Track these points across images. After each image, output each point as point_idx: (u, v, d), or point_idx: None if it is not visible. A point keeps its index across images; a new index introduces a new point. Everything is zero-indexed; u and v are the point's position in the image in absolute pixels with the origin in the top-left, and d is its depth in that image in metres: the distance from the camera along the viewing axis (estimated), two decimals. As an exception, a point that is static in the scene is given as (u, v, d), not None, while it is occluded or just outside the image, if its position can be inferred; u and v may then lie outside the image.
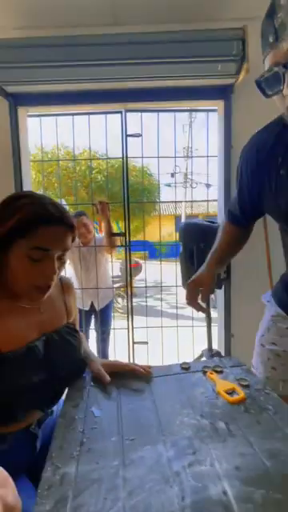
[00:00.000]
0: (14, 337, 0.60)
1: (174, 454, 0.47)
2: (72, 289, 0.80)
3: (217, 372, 0.71)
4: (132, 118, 1.91)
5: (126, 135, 1.83)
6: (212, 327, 1.82)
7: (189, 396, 0.63)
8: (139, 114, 1.88)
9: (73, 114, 1.85)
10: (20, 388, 0.57)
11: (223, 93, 1.63)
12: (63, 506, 0.39)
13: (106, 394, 0.66)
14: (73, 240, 0.65)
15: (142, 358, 1.96)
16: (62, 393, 0.68)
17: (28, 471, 0.66)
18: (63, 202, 2.00)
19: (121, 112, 1.84)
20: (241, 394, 0.61)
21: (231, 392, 0.62)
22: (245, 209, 0.85)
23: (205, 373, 0.72)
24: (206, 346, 1.80)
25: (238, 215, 0.88)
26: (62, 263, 0.65)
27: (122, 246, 2.00)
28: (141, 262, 4.97)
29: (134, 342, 2.04)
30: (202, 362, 0.78)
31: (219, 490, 0.40)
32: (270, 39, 0.52)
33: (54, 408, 0.74)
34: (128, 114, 1.88)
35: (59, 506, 0.39)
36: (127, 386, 0.68)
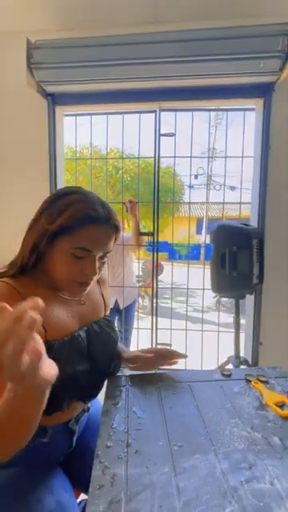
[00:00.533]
0: (58, 325, 0.60)
1: (228, 466, 0.44)
2: (106, 282, 0.81)
3: (262, 382, 0.67)
4: (165, 116, 1.90)
5: (160, 134, 1.82)
6: (241, 334, 1.76)
7: (234, 405, 0.60)
8: (172, 113, 1.87)
9: (107, 114, 1.86)
10: (65, 377, 0.57)
11: (264, 91, 1.57)
12: (118, 509, 0.38)
13: (146, 394, 0.64)
14: (115, 241, 0.64)
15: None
16: (102, 385, 0.67)
17: (62, 465, 0.66)
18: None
19: (155, 111, 1.83)
20: (292, 407, 0.57)
21: (281, 405, 0.58)
22: None
23: (248, 381, 0.68)
24: (231, 353, 1.75)
25: None
26: (103, 263, 0.64)
27: (150, 245, 1.99)
28: (162, 263, 4.95)
29: (157, 343, 2.01)
30: (242, 369, 0.75)
31: (283, 511, 0.37)
32: None
33: (90, 405, 0.74)
34: (162, 113, 1.87)
35: (113, 507, 0.38)
36: (166, 388, 0.66)
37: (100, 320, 0.70)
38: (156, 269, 2.07)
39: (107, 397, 0.64)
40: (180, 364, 0.75)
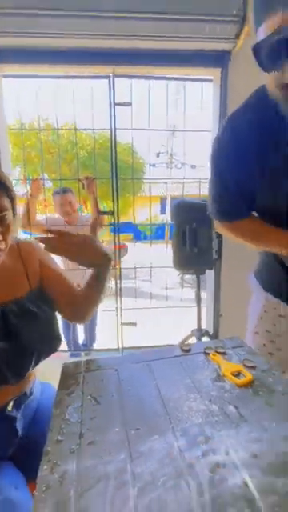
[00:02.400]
0: None
1: (185, 443, 0.43)
2: (34, 252, 0.72)
3: (220, 353, 0.68)
4: (119, 86, 1.75)
5: (114, 104, 1.68)
6: (202, 308, 1.82)
7: (193, 380, 0.59)
8: (128, 82, 1.73)
9: (55, 77, 1.65)
10: None
11: (221, 59, 1.52)
12: (65, 510, 0.34)
13: (103, 379, 0.61)
14: (11, 201, 0.61)
15: (131, 339, 1.94)
16: (29, 365, 0.63)
17: (14, 458, 0.61)
18: (46, 177, 1.84)
19: (108, 77, 1.67)
20: (248, 375, 0.58)
21: (237, 374, 0.59)
22: (240, 199, 0.71)
23: (207, 354, 0.68)
24: (194, 327, 1.81)
25: (234, 207, 0.72)
26: (7, 227, 0.60)
27: (111, 225, 1.90)
28: (126, 243, 4.89)
29: (122, 323, 2.01)
30: (201, 342, 0.75)
31: (239, 481, 0.37)
32: None
33: (34, 390, 0.69)
34: (116, 81, 1.72)
35: (60, 509, 0.34)
36: (125, 370, 0.63)
37: (23, 298, 0.64)
38: (118, 250, 2.01)
39: (60, 386, 0.59)
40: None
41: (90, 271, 0.74)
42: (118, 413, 0.50)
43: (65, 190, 1.92)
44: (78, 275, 2.02)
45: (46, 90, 1.88)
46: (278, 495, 0.35)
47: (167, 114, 1.74)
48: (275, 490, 0.35)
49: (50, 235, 0.64)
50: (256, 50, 0.45)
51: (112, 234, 1.99)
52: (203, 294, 1.85)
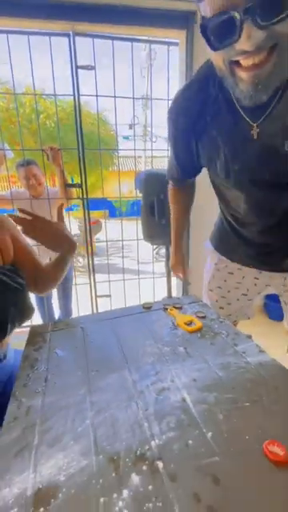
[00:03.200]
0: None
1: (138, 377, 0.50)
2: (4, 227, 0.74)
3: (176, 308, 0.75)
4: (82, 48, 1.63)
5: (77, 66, 1.58)
6: (172, 278, 1.92)
7: (151, 330, 0.66)
8: (90, 43, 1.62)
9: (7, 32, 1.50)
10: None
11: (186, 20, 1.47)
12: (31, 432, 0.40)
13: (69, 336, 0.66)
14: None
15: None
16: (3, 334, 0.66)
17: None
18: (7, 147, 1.73)
19: (68, 35, 1.55)
20: (198, 324, 0.66)
21: (190, 323, 0.67)
22: (186, 167, 0.78)
23: (165, 310, 0.75)
24: (166, 295, 1.92)
25: (180, 175, 0.83)
26: None
27: (79, 198, 1.87)
28: (100, 220, 4.82)
29: (96, 296, 2.06)
30: (162, 301, 0.82)
31: (179, 398, 0.45)
32: None
33: (9, 353, 0.73)
34: (78, 42, 1.60)
35: (27, 432, 0.40)
36: (90, 328, 0.69)
37: None
38: (89, 226, 2.00)
39: (27, 344, 0.63)
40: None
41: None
42: (80, 360, 0.56)
43: (28, 162, 1.82)
44: (47, 250, 2.01)
45: (1, 48, 1.70)
46: (208, 404, 0.43)
47: (133, 79, 1.67)
48: (206, 401, 0.44)
49: (22, 215, 0.67)
50: (202, 29, 0.44)
51: (86, 210, 1.95)
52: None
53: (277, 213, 0.68)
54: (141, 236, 1.79)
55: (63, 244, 0.78)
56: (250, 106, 0.51)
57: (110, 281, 2.13)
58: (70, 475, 0.34)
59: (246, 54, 0.43)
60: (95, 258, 2.14)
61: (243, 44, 0.41)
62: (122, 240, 2.03)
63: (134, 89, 1.74)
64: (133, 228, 2.15)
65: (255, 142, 0.57)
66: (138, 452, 0.36)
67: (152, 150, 1.89)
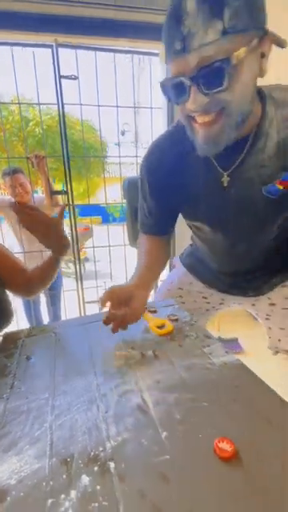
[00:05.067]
0: None
1: (103, 380, 0.51)
2: None
3: (151, 312, 0.76)
4: (66, 58, 1.67)
5: (60, 76, 1.62)
6: (159, 283, 1.93)
7: (122, 334, 0.67)
8: (73, 52, 1.65)
9: (-9, 43, 1.53)
10: None
11: (164, 33, 1.51)
12: (-12, 438, 0.40)
13: (41, 342, 0.66)
14: None
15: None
16: None
17: None
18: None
19: (51, 46, 1.59)
20: (169, 326, 0.67)
21: (161, 326, 0.68)
22: (163, 217, 0.78)
23: (140, 314, 0.76)
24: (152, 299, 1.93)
25: (157, 225, 0.79)
26: None
27: (65, 205, 1.88)
28: (91, 226, 4.83)
29: (84, 302, 2.06)
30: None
31: (139, 399, 0.45)
32: (178, 46, 0.45)
33: None
34: (62, 52, 1.63)
35: (-16, 438, 0.40)
36: (63, 334, 0.69)
37: None
38: (76, 232, 2.01)
39: (-1, 351, 0.63)
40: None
41: (46, 254, 0.82)
42: (49, 365, 0.57)
43: (14, 171, 1.84)
44: (35, 257, 2.01)
45: (-15, 58, 1.73)
46: (167, 405, 0.44)
47: (116, 89, 1.71)
48: (166, 402, 0.44)
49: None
50: (162, 86, 0.51)
51: (80, 217, 1.96)
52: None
53: (254, 257, 0.73)
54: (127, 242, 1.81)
55: (58, 241, 0.80)
56: (221, 155, 0.55)
57: (97, 286, 2.14)
58: (22, 478, 0.34)
59: (195, 113, 0.50)
60: (87, 264, 2.14)
61: (190, 105, 0.48)
62: (109, 246, 2.04)
63: (125, 96, 1.79)
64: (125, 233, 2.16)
65: (228, 190, 0.61)
66: (92, 454, 0.37)
67: (137, 156, 1.93)
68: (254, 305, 0.89)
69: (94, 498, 0.31)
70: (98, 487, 0.32)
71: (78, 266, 2.03)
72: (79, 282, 2.04)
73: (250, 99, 0.50)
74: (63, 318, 2.32)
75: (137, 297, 0.65)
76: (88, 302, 2.10)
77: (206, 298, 0.92)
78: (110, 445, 0.38)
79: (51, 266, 0.86)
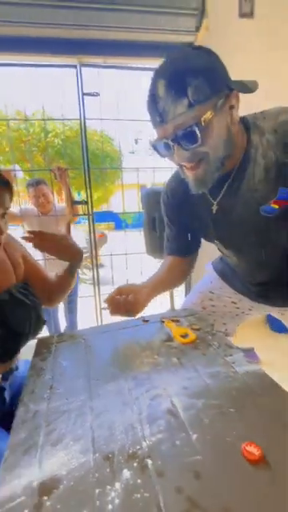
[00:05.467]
0: None
1: (134, 385, 0.55)
2: (14, 242, 0.84)
3: (173, 321, 0.80)
4: (88, 75, 1.77)
5: (83, 93, 1.71)
6: (174, 291, 1.96)
7: (148, 342, 0.71)
8: (96, 71, 1.75)
9: (21, 65, 1.65)
10: None
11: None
12: (37, 433, 0.45)
13: (72, 347, 0.71)
14: (11, 198, 0.67)
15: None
16: (19, 346, 0.72)
17: (1, 422, 0.72)
18: (17, 167, 1.85)
19: (75, 66, 1.69)
20: (192, 336, 0.71)
21: (185, 335, 0.72)
22: (183, 242, 0.90)
23: (162, 322, 0.80)
24: (169, 307, 1.96)
25: (179, 249, 0.91)
26: (5, 223, 0.69)
27: (84, 214, 1.96)
28: (106, 232, 4.93)
29: (101, 308, 2.11)
30: (159, 314, 0.87)
31: (169, 404, 0.49)
32: (157, 119, 0.58)
33: (21, 364, 0.79)
34: (84, 71, 1.73)
35: (33, 433, 0.45)
36: (91, 340, 0.74)
37: (11, 288, 0.72)
38: (94, 240, 2.08)
39: (35, 355, 0.69)
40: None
41: (65, 263, 0.89)
42: (82, 369, 0.61)
43: (38, 182, 1.94)
44: (56, 264, 2.09)
45: (15, 78, 1.86)
46: (195, 410, 0.47)
47: (136, 105, 1.78)
48: (194, 407, 0.48)
49: (29, 235, 0.79)
50: (153, 146, 0.63)
51: (94, 223, 2.04)
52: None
53: (268, 268, 0.78)
54: (144, 249, 1.86)
55: (71, 253, 0.87)
56: (212, 186, 0.65)
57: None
58: (70, 470, 0.39)
59: (181, 163, 0.62)
60: (101, 270, 2.21)
61: (176, 158, 0.61)
62: (126, 254, 2.09)
63: (140, 108, 1.86)
64: (138, 239, 2.22)
65: (224, 214, 0.71)
66: (131, 451, 0.41)
67: (154, 168, 1.99)
68: (283, 314, 0.92)
69: (136, 489, 0.35)
70: (139, 481, 0.36)
71: (95, 272, 2.10)
72: (96, 288, 2.11)
73: (225, 146, 0.60)
74: (79, 324, 2.38)
75: (141, 292, 0.78)
76: (104, 309, 2.15)
77: (235, 303, 0.96)
78: (146, 444, 0.42)
79: (68, 275, 0.91)
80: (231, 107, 0.59)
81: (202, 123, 0.55)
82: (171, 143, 0.58)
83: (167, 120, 0.56)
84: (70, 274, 0.91)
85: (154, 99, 0.57)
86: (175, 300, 1.99)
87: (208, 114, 0.55)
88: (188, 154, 0.59)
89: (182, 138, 0.57)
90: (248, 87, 0.57)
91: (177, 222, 0.87)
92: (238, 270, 0.88)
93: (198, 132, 0.55)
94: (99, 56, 1.64)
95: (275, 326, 2.04)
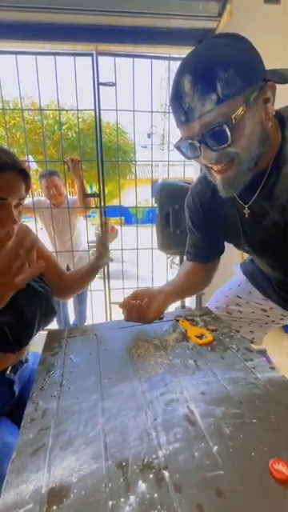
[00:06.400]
0: None
1: (147, 387, 0.52)
2: (30, 232, 0.82)
3: (188, 320, 0.76)
4: (104, 65, 1.72)
5: (98, 83, 1.67)
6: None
7: (161, 341, 0.68)
8: (112, 60, 1.70)
9: (35, 53, 1.61)
10: None
11: (201, 37, 1.51)
12: (46, 434, 0.43)
13: (84, 343, 0.69)
14: (27, 189, 0.66)
15: (119, 318, 2.04)
16: (30, 336, 0.70)
17: (11, 415, 0.70)
18: (31, 158, 1.83)
19: (91, 54, 1.64)
20: (209, 337, 0.67)
21: (200, 336, 0.68)
22: (206, 248, 0.85)
23: (177, 321, 0.77)
24: (179, 305, 1.92)
25: (200, 255, 0.86)
26: (19, 212, 0.66)
27: (96, 207, 1.94)
28: (116, 227, 4.90)
29: (111, 303, 2.10)
30: (174, 312, 0.83)
31: (186, 410, 0.46)
32: (182, 119, 0.53)
33: (29, 356, 0.77)
34: (100, 60, 1.69)
35: (42, 433, 0.43)
36: (103, 336, 0.72)
37: None
38: (106, 234, 2.05)
39: (45, 349, 0.67)
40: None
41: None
42: (94, 367, 0.59)
43: (51, 173, 1.92)
44: (66, 257, 2.08)
45: (29, 67, 1.83)
46: (215, 418, 0.44)
47: (151, 94, 1.73)
48: (213, 415, 0.45)
49: None
50: (177, 148, 0.59)
51: (103, 217, 2.01)
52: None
53: None
54: (155, 244, 1.82)
55: (104, 257, 0.91)
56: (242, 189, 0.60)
57: (124, 288, 2.17)
58: (81, 477, 0.36)
59: (209, 164, 0.57)
60: (111, 265, 2.18)
61: (203, 160, 0.56)
62: (137, 249, 2.06)
63: (154, 98, 1.80)
64: (148, 235, 2.18)
65: (256, 219, 0.66)
66: (146, 460, 0.38)
67: (169, 161, 1.93)
68: None
69: (153, 505, 0.32)
70: (156, 495, 0.33)
71: (106, 267, 2.08)
72: (106, 282, 2.09)
73: (259, 144, 0.54)
74: (89, 317, 2.38)
75: (156, 298, 0.73)
76: (114, 303, 2.14)
77: (265, 310, 0.90)
78: (163, 453, 0.39)
79: (91, 273, 0.91)
80: (266, 100, 0.52)
81: (233, 120, 0.49)
82: (197, 144, 0.53)
83: (193, 118, 0.51)
84: (92, 272, 0.91)
85: (178, 96, 0.52)
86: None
87: (240, 110, 0.49)
88: (216, 156, 0.54)
89: (210, 138, 0.52)
90: (285, 76, 0.51)
91: (201, 228, 0.81)
92: (270, 276, 0.82)
93: (227, 131, 0.49)
94: (117, 44, 1.58)
95: (289, 328, 1.97)
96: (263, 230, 0.66)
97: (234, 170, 0.56)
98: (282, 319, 0.91)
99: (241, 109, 0.49)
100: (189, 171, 2.09)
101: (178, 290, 0.81)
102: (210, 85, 0.48)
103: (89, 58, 1.67)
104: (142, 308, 0.69)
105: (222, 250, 0.87)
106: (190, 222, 0.83)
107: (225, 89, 0.48)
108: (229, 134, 0.50)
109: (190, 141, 0.54)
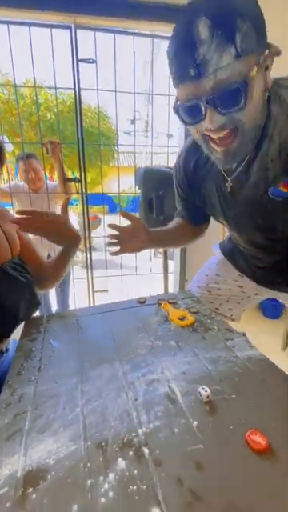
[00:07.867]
0: None
1: (129, 368, 0.51)
2: (7, 216, 0.74)
3: (170, 303, 0.76)
4: (84, 42, 1.62)
5: (78, 60, 1.57)
6: (169, 275, 1.93)
7: (144, 324, 0.67)
8: (92, 36, 1.60)
9: (8, 23, 1.49)
10: None
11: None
12: (22, 418, 0.41)
13: (63, 328, 0.67)
14: (1, 165, 0.60)
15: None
16: (12, 327, 0.67)
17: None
18: (6, 139, 1.72)
19: (70, 27, 1.54)
20: (190, 318, 0.68)
21: (182, 318, 0.68)
22: (191, 212, 0.86)
23: (159, 304, 0.77)
24: (162, 291, 1.94)
25: (187, 216, 0.87)
26: None
27: (77, 193, 1.87)
28: (99, 215, 4.81)
29: (94, 291, 2.07)
30: (156, 296, 0.83)
31: (167, 389, 0.46)
32: (192, 72, 0.46)
33: (10, 347, 0.74)
34: (80, 36, 1.59)
35: (18, 418, 0.41)
36: (84, 321, 0.70)
37: (6, 264, 0.66)
38: (88, 221, 2.00)
39: (22, 335, 0.64)
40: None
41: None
42: (74, 351, 0.57)
43: (28, 156, 1.82)
44: (46, 244, 2.01)
45: (1, 39, 1.69)
46: (196, 396, 0.44)
47: (133, 73, 1.66)
48: (194, 393, 0.45)
49: (20, 216, 0.68)
50: (175, 110, 0.53)
51: (88, 206, 1.95)
52: (171, 263, 1.95)
53: (274, 254, 0.73)
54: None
55: (68, 237, 0.77)
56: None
57: (107, 276, 2.15)
58: (59, 459, 0.35)
59: (211, 131, 0.51)
60: (94, 253, 2.15)
61: (207, 124, 0.50)
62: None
63: (137, 83, 1.73)
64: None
65: (232, 193, 0.65)
66: (126, 439, 0.37)
67: (152, 146, 1.89)
68: None
69: (132, 481, 0.32)
70: (135, 471, 0.33)
71: (88, 255, 2.04)
72: (89, 271, 2.05)
73: (261, 114, 0.52)
74: (72, 306, 2.34)
75: (144, 231, 0.82)
76: (97, 292, 2.12)
77: (241, 286, 0.92)
78: (143, 431, 0.38)
79: (65, 258, 0.82)
80: (266, 68, 0.49)
81: (249, 81, 0.45)
82: (204, 105, 0.47)
83: (207, 73, 0.44)
84: (65, 257, 0.82)
85: (188, 43, 0.44)
86: (169, 284, 1.96)
87: (254, 70, 0.44)
88: (223, 120, 0.49)
89: (222, 99, 0.46)
90: (279, 49, 0.49)
91: (187, 195, 0.81)
92: (244, 251, 0.84)
93: (243, 91, 0.45)
94: (96, 16, 1.49)
95: (268, 312, 2.05)
96: (237, 204, 0.66)
97: (237, 140, 0.52)
98: (256, 294, 0.93)
99: (255, 69, 0.44)
100: (173, 160, 2.06)
101: (165, 235, 0.88)
102: (231, 35, 0.42)
103: (67, 32, 1.57)
104: (130, 232, 0.78)
105: (207, 218, 0.88)
106: (176, 191, 0.84)
107: (243, 43, 0.43)
108: (243, 95, 0.45)
109: (195, 101, 0.47)
